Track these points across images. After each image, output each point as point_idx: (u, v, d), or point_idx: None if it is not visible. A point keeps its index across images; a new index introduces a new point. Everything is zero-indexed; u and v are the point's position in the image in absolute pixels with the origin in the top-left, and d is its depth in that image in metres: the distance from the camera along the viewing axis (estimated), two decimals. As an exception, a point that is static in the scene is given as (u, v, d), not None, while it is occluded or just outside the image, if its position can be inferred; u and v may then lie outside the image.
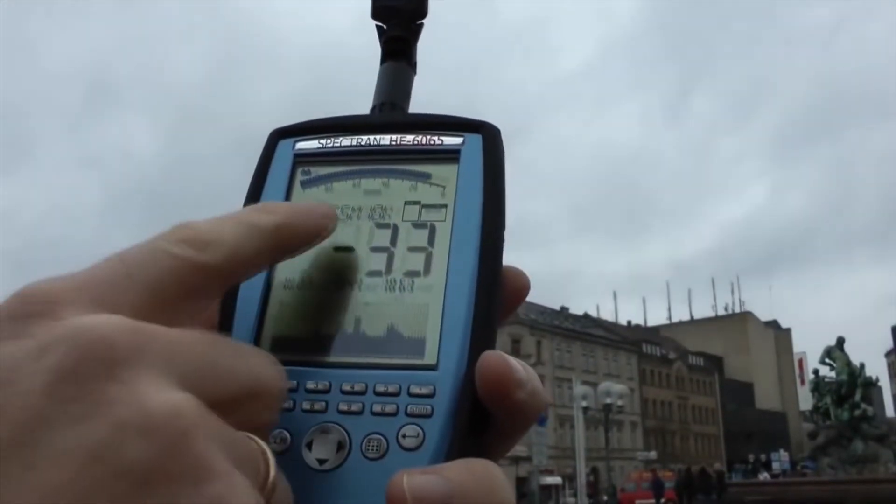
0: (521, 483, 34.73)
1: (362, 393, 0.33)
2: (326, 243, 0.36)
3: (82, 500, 0.20)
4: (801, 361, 57.37)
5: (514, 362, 0.32)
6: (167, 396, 0.23)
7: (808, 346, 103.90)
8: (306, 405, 0.33)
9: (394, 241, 0.38)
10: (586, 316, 66.42)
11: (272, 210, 0.33)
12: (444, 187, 0.39)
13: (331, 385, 0.34)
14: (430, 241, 0.37)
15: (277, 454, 0.28)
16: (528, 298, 0.39)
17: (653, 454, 53.70)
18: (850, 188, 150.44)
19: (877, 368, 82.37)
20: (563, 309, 61.81)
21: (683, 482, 27.84)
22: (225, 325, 0.35)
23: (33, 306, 0.24)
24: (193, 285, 0.28)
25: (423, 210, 0.38)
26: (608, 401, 24.39)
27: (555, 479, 43.39)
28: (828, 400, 20.04)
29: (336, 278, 0.37)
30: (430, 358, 0.34)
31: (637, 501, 34.23)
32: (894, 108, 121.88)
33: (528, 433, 0.37)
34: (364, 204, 0.39)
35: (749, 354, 77.97)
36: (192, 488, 0.22)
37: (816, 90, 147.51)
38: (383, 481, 0.28)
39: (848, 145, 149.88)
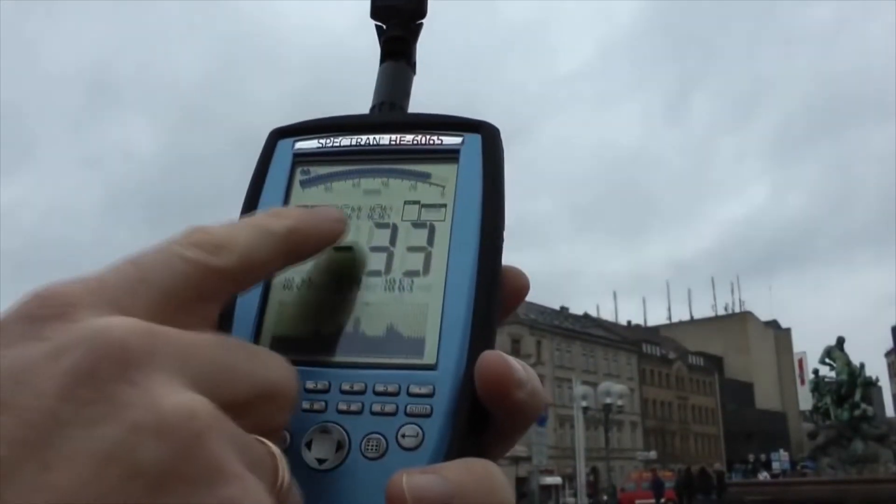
0: (521, 483, 34.72)
1: (362, 393, 0.33)
2: None
3: (96, 501, 0.21)
4: (801, 361, 57.34)
5: (514, 362, 0.32)
6: (181, 398, 0.23)
7: (808, 346, 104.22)
8: (306, 405, 0.33)
9: (393, 241, 0.38)
10: (586, 316, 66.42)
11: (284, 215, 0.33)
12: (443, 187, 0.39)
13: (330, 385, 0.34)
14: (430, 241, 0.37)
15: None
16: (528, 298, 0.39)
17: (653, 454, 53.68)
18: (850, 188, 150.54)
19: (877, 368, 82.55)
20: (563, 309, 61.80)
21: (683, 482, 27.85)
22: (224, 324, 0.34)
23: (49, 308, 0.24)
24: (206, 289, 0.28)
25: (423, 210, 0.38)
26: (608, 401, 24.40)
27: (555, 479, 43.37)
28: (828, 400, 20.03)
29: (335, 278, 0.37)
30: (429, 358, 0.34)
31: (637, 501, 34.23)
32: (894, 108, 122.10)
33: (528, 433, 0.34)
34: (364, 203, 0.39)
35: (749, 354, 77.94)
36: (206, 490, 0.22)
37: (816, 90, 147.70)
38: (383, 481, 0.28)
39: (848, 145, 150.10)
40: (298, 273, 0.37)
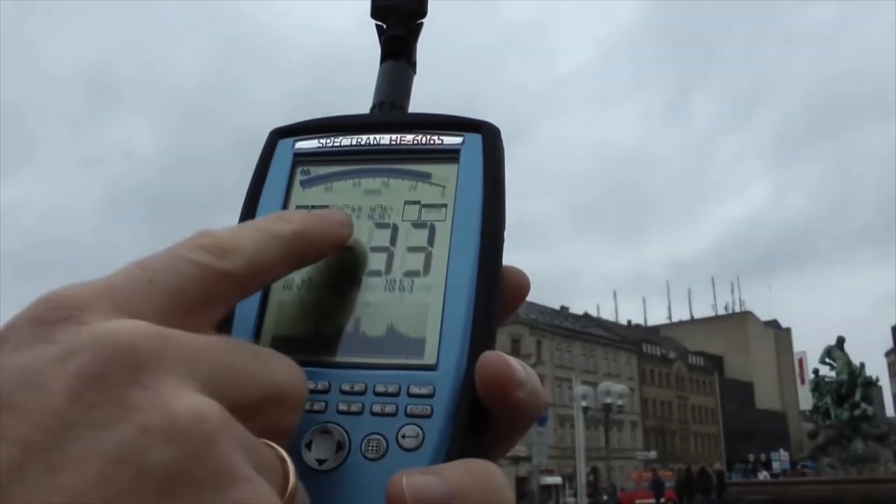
0: (521, 483, 34.73)
1: (362, 393, 0.33)
2: None
3: (105, 503, 0.21)
4: (801, 361, 57.23)
5: (514, 362, 0.32)
6: (191, 401, 0.23)
7: (808, 345, 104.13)
8: (306, 405, 0.32)
9: (393, 241, 0.38)
10: (586, 316, 66.37)
11: (290, 219, 0.33)
12: (443, 187, 0.39)
13: (330, 385, 0.34)
14: (430, 241, 0.37)
15: None
16: (528, 298, 0.39)
17: (653, 454, 53.68)
18: (850, 188, 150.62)
19: (877, 368, 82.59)
20: (563, 309, 61.77)
21: (683, 482, 27.83)
22: (224, 325, 0.34)
23: (58, 311, 0.24)
24: (214, 292, 0.29)
25: (423, 210, 0.38)
26: (608, 400, 24.38)
27: (555, 479, 43.40)
28: (828, 399, 20.00)
29: (336, 278, 0.37)
30: (429, 358, 0.34)
31: (637, 501, 34.26)
32: (894, 108, 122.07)
33: (528, 433, 0.37)
34: (364, 203, 0.39)
35: (749, 354, 77.93)
36: (216, 493, 0.22)
37: (816, 90, 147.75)
38: (383, 482, 0.28)
39: (848, 145, 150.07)
40: (298, 273, 0.37)
